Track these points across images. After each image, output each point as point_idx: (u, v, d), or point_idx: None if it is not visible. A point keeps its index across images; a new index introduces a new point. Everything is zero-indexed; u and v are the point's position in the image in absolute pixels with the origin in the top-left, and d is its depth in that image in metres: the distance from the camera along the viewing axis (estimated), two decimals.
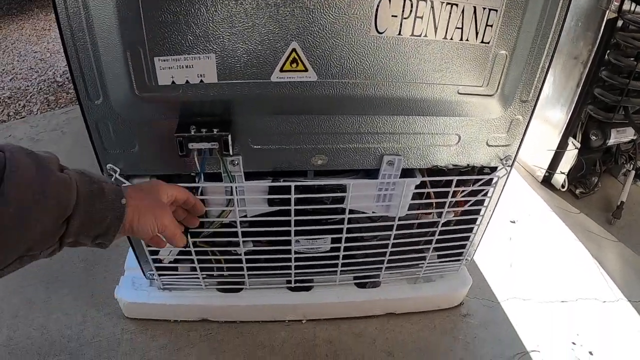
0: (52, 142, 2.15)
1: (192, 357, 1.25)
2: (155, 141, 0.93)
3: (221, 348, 1.27)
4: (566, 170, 1.90)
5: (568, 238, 1.80)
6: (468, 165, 1.09)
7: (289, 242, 1.13)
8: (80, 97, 0.86)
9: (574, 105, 1.80)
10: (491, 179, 1.12)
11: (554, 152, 1.88)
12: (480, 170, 1.13)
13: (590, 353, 1.36)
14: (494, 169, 1.12)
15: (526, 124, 1.04)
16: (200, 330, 1.31)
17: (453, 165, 1.08)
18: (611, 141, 1.85)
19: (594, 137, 1.83)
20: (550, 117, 1.92)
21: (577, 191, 1.98)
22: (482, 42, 0.88)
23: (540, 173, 2.04)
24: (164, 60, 0.83)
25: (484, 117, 1.00)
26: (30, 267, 1.62)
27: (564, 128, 1.85)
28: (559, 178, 1.96)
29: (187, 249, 1.13)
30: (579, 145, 1.83)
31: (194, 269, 1.21)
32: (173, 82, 0.85)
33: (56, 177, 0.52)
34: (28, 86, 2.71)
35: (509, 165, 1.11)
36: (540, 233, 1.83)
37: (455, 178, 1.08)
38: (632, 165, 2.00)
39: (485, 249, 1.69)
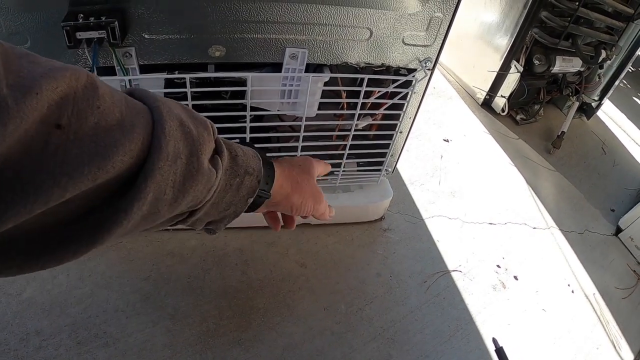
0: None
1: (102, 266, 1.20)
2: (45, 33, 0.84)
3: (130, 257, 1.22)
4: (507, 94, 1.86)
5: (503, 162, 1.78)
6: (383, 64, 1.03)
7: None
8: None
9: (519, 27, 1.73)
10: (410, 82, 1.06)
11: (495, 73, 1.82)
12: (397, 71, 1.07)
13: (516, 278, 1.36)
14: (412, 72, 1.06)
15: (448, 23, 0.97)
16: None
17: (365, 63, 1.02)
18: (556, 68, 1.81)
19: (537, 62, 1.78)
20: (494, 39, 1.85)
21: (518, 117, 1.95)
22: None
23: (481, 95, 2.00)
24: None
25: (400, 11, 0.93)
26: None
27: (508, 50, 1.78)
28: (500, 102, 1.91)
29: None
30: (521, 69, 1.77)
31: None
32: None
33: (201, 174, 0.41)
34: None
35: (428, 69, 1.05)
36: (475, 154, 1.79)
37: (367, 77, 1.01)
38: (576, 98, 1.98)
39: (412, 165, 1.66)
